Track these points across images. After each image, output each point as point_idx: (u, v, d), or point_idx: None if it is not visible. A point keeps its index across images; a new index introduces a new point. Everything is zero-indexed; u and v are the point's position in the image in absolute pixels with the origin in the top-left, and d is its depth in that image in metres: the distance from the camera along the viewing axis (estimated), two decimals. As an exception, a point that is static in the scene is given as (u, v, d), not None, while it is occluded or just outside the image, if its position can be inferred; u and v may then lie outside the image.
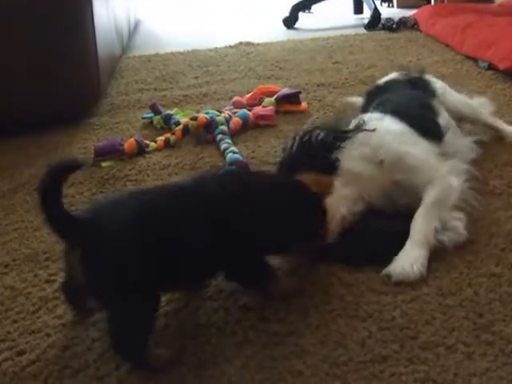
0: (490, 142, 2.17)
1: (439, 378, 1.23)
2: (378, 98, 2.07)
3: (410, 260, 1.54)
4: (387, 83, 2.20)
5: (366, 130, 1.73)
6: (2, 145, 2.50)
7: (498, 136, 2.20)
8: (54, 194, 1.21)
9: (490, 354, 1.28)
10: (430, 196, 1.66)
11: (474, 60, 3.08)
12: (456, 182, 1.71)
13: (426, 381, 1.22)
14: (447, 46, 3.41)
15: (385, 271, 1.53)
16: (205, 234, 1.32)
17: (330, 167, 1.64)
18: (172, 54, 3.80)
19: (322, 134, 1.71)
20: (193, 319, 1.44)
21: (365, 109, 2.07)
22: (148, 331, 1.29)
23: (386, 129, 1.77)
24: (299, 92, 2.70)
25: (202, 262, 1.34)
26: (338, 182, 1.61)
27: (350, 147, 1.70)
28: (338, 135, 1.72)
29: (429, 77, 2.24)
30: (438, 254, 1.58)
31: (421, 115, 1.91)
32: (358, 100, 2.44)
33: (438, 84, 2.19)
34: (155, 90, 3.13)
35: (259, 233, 1.39)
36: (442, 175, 1.71)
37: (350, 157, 1.69)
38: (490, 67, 2.93)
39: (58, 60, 2.58)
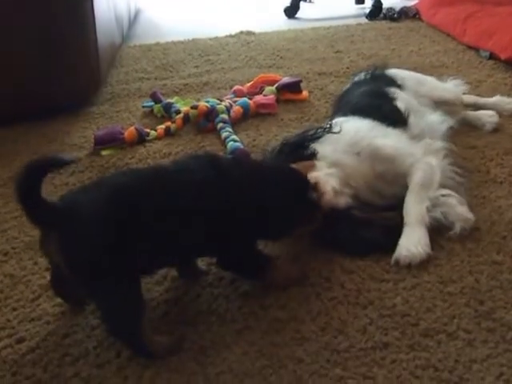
0: (491, 131, 2.16)
1: (440, 365, 1.23)
2: (339, 104, 2.11)
3: (412, 242, 1.55)
4: (347, 89, 2.22)
5: (332, 131, 1.75)
6: (1, 133, 2.49)
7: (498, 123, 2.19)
8: (36, 186, 1.19)
9: (491, 340, 1.28)
10: (414, 180, 1.69)
11: (476, 50, 3.06)
12: (434, 161, 1.74)
13: (427, 367, 1.22)
14: (448, 35, 3.39)
15: (393, 260, 1.54)
16: (184, 219, 1.31)
17: (309, 156, 1.68)
18: (172, 43, 3.78)
19: (294, 139, 1.77)
20: (193, 306, 1.44)
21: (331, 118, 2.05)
22: (138, 313, 1.27)
23: (354, 127, 1.79)
24: (300, 81, 2.68)
25: (180, 245, 1.34)
26: (319, 163, 1.65)
27: (322, 144, 1.72)
28: (308, 137, 1.76)
29: (394, 70, 2.23)
30: (438, 242, 1.58)
31: (379, 105, 1.93)
32: None
33: (404, 75, 2.20)
34: (155, 78, 3.11)
35: (250, 219, 1.38)
36: (420, 158, 1.73)
37: (327, 149, 1.71)
38: (492, 57, 2.91)
39: (58, 48, 2.56)
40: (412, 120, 1.92)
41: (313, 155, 1.68)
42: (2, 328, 1.40)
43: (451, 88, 2.28)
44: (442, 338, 1.29)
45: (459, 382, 1.18)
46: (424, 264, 1.52)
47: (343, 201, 1.61)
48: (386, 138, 1.78)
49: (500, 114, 2.24)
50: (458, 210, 1.62)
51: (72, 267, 1.22)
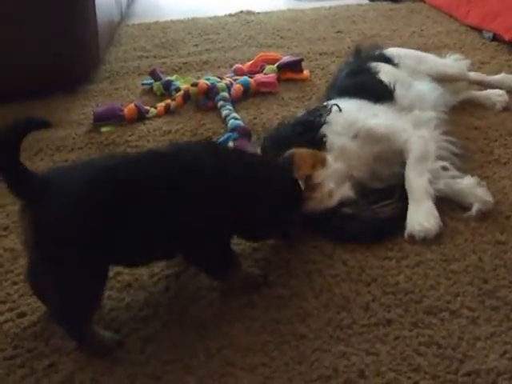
0: (494, 112, 2.15)
1: (444, 342, 1.22)
2: (328, 90, 2.09)
3: (422, 216, 1.55)
4: (335, 73, 2.21)
5: (334, 109, 1.75)
6: (0, 110, 2.46)
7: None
8: (13, 148, 1.15)
9: (495, 319, 1.28)
10: (411, 155, 1.68)
11: (479, 31, 3.04)
12: (426, 133, 1.75)
13: (431, 344, 1.22)
14: (451, 17, 3.36)
15: (407, 235, 1.53)
16: (166, 207, 1.26)
17: (318, 143, 1.66)
18: (171, 21, 3.74)
19: (304, 117, 1.76)
20: (194, 282, 1.43)
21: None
22: (94, 303, 1.24)
23: (345, 110, 1.77)
24: (301, 59, 2.66)
25: (157, 236, 1.28)
26: (329, 157, 1.63)
27: (328, 125, 1.71)
28: (318, 115, 1.74)
29: (391, 49, 2.21)
30: (442, 220, 1.57)
31: (363, 83, 1.92)
32: None
33: (401, 53, 2.18)
34: (154, 57, 3.09)
35: (230, 213, 1.34)
36: (412, 132, 1.73)
37: (333, 132, 1.70)
38: (495, 38, 2.89)
39: (58, 26, 2.53)
40: (399, 92, 1.91)
41: (322, 141, 1.67)
42: (3, 302, 1.39)
43: (453, 63, 2.26)
44: (446, 315, 1.29)
45: (463, 359, 1.18)
46: (427, 242, 1.51)
47: (336, 199, 1.59)
48: (377, 117, 1.77)
49: (505, 91, 2.23)
50: (478, 191, 1.61)
51: (42, 243, 1.17)
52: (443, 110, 1.96)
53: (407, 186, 1.63)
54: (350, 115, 1.75)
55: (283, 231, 1.50)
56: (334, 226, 1.55)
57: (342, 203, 1.59)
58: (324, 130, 1.69)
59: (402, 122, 1.78)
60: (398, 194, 1.62)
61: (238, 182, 1.35)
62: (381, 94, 1.86)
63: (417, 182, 1.62)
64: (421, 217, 1.55)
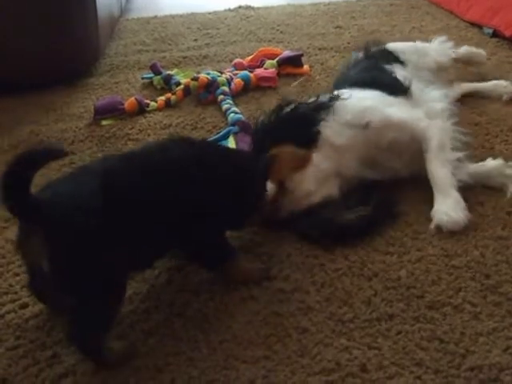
0: (495, 107, 2.15)
1: (446, 337, 1.22)
2: (337, 82, 2.06)
3: (450, 207, 1.55)
4: (346, 68, 2.18)
5: (342, 98, 1.72)
6: (0, 103, 2.46)
7: (503, 100, 2.18)
8: (26, 183, 1.07)
9: (497, 314, 1.28)
10: (431, 145, 1.67)
11: (479, 27, 3.04)
12: (440, 123, 1.74)
13: (433, 339, 1.22)
14: (451, 13, 3.36)
15: (434, 225, 1.54)
16: (171, 208, 1.26)
17: (310, 140, 1.63)
18: (171, 16, 3.73)
19: (302, 107, 1.71)
20: (196, 276, 1.43)
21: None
22: (112, 319, 1.21)
23: (361, 97, 1.76)
24: (301, 54, 2.65)
25: (166, 237, 1.29)
26: (316, 156, 1.60)
27: (330, 117, 1.68)
28: (319, 107, 1.71)
29: (391, 45, 2.19)
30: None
31: (379, 77, 1.91)
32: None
33: (403, 48, 2.17)
34: (154, 51, 3.08)
35: (216, 207, 1.34)
36: (427, 123, 1.72)
37: (332, 126, 1.66)
38: (495, 35, 2.89)
39: (58, 20, 2.52)
40: (413, 89, 1.89)
41: (315, 138, 1.64)
42: (5, 293, 1.40)
43: (442, 50, 2.25)
44: (448, 310, 1.29)
45: (465, 354, 1.18)
46: (429, 238, 1.51)
47: (317, 199, 1.59)
48: (393, 106, 1.75)
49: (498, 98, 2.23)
50: (507, 171, 1.64)
51: (60, 268, 1.12)
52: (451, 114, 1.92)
53: (431, 178, 1.63)
54: (363, 103, 1.73)
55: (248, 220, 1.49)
56: (297, 225, 1.55)
57: (324, 203, 1.58)
58: (321, 126, 1.65)
59: (417, 112, 1.77)
60: (373, 203, 1.59)
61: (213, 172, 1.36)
62: (396, 89, 1.85)
63: (441, 171, 1.62)
64: (448, 208, 1.55)
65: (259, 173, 1.46)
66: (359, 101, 1.73)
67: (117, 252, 1.16)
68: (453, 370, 1.15)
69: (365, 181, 1.66)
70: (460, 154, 1.68)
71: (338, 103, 1.70)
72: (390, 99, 1.79)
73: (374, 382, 1.14)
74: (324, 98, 1.75)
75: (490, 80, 2.30)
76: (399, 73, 1.98)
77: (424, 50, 2.19)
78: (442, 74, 2.15)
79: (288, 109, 1.69)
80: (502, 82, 2.24)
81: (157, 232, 1.26)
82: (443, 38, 2.30)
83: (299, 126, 1.64)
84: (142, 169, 1.28)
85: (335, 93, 1.79)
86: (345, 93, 1.76)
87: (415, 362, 1.17)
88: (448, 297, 1.33)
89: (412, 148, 1.69)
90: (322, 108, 1.69)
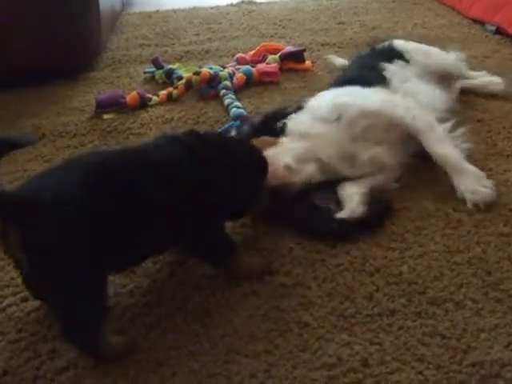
0: (498, 104, 2.14)
1: (447, 333, 1.22)
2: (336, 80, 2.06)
3: (473, 183, 1.58)
4: (348, 65, 2.21)
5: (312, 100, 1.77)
6: (2, 97, 2.46)
7: (505, 97, 2.18)
8: None
9: (499, 310, 1.27)
10: (419, 128, 1.68)
11: (481, 24, 3.03)
12: (412, 103, 1.75)
13: (434, 335, 1.22)
14: (453, 9, 3.35)
15: (472, 205, 1.57)
16: (160, 202, 1.24)
17: (279, 132, 1.68)
18: (173, 10, 3.73)
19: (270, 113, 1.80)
20: (197, 270, 1.43)
21: None
22: (101, 313, 1.19)
23: (332, 94, 1.79)
24: (304, 50, 2.65)
25: (158, 232, 1.27)
26: (284, 139, 1.65)
27: (298, 115, 1.73)
28: (292, 108, 1.77)
29: (399, 44, 2.15)
30: (445, 212, 1.58)
31: (365, 75, 1.91)
32: (341, 61, 2.49)
33: (409, 47, 2.14)
34: (156, 45, 3.08)
35: (218, 197, 1.33)
36: (403, 107, 1.72)
37: (298, 121, 1.70)
38: (498, 32, 2.88)
39: (60, 13, 2.52)
40: (395, 82, 1.89)
41: (282, 129, 1.68)
42: (7, 286, 1.40)
43: (455, 61, 2.21)
44: (450, 306, 1.29)
45: (467, 350, 1.18)
46: (431, 234, 1.51)
47: (299, 178, 1.57)
48: (369, 95, 1.76)
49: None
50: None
51: (37, 266, 1.10)
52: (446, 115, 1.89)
53: (438, 161, 1.64)
54: (337, 99, 1.74)
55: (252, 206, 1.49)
56: (297, 216, 1.55)
57: (310, 184, 1.58)
58: (288, 120, 1.70)
59: (392, 98, 1.78)
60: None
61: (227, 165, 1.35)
62: (376, 80, 1.86)
63: (446, 150, 1.64)
64: (473, 184, 1.57)
65: (258, 162, 1.46)
66: (334, 97, 1.75)
67: (95, 249, 1.13)
68: (454, 365, 1.15)
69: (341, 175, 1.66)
70: (447, 125, 1.70)
71: (310, 103, 1.75)
72: (366, 91, 1.79)
73: (376, 377, 1.14)
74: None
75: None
76: (392, 71, 1.95)
77: (430, 54, 2.15)
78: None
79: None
80: (494, 78, 2.24)
81: (145, 228, 1.23)
82: (460, 53, 2.26)
83: (273, 123, 1.71)
84: (131, 165, 1.26)
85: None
86: (321, 94, 1.81)
87: (417, 357, 1.17)
88: (450, 293, 1.32)
89: (392, 135, 1.69)
90: (295, 108, 1.75)
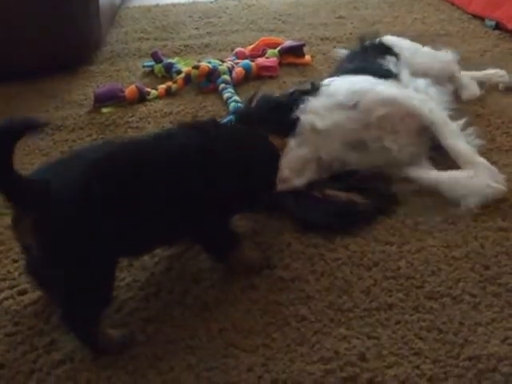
0: (497, 99, 2.14)
1: (445, 327, 1.22)
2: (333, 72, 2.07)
3: (488, 177, 1.58)
4: (342, 59, 2.20)
5: (324, 84, 1.74)
6: (1, 90, 2.46)
7: (504, 92, 2.18)
8: (5, 153, 1.03)
9: (496, 305, 1.27)
10: (435, 121, 1.69)
11: (481, 19, 3.02)
12: (429, 100, 1.76)
13: (432, 329, 1.22)
14: (453, 5, 3.34)
15: (480, 202, 1.55)
16: (168, 193, 1.23)
17: (288, 127, 1.63)
18: (172, 4, 3.72)
19: (281, 98, 1.73)
20: (195, 263, 1.43)
21: None
22: (103, 303, 1.20)
23: (349, 81, 1.77)
24: (303, 44, 2.65)
25: (167, 222, 1.26)
26: (293, 142, 1.61)
27: (314, 101, 1.68)
28: (300, 94, 1.71)
29: (391, 40, 2.15)
30: (443, 207, 1.57)
31: (370, 66, 1.91)
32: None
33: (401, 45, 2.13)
34: (155, 39, 3.07)
35: (229, 190, 1.32)
36: (419, 100, 1.73)
37: (315, 111, 1.66)
38: (497, 27, 2.88)
39: (59, 7, 2.51)
40: (403, 78, 1.90)
41: (292, 127, 1.63)
42: (3, 279, 1.40)
43: (446, 61, 2.19)
44: (447, 301, 1.29)
45: (464, 344, 1.18)
46: (429, 228, 1.51)
47: (299, 182, 1.60)
48: (383, 85, 1.76)
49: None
50: None
51: (48, 251, 1.11)
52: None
53: (452, 154, 1.65)
54: (354, 85, 1.73)
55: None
56: (298, 209, 1.55)
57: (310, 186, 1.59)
58: (301, 111, 1.65)
59: (407, 91, 1.79)
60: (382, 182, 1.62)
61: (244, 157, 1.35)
62: (386, 75, 1.85)
63: (460, 145, 1.65)
64: (488, 178, 1.57)
65: (271, 153, 1.45)
66: (350, 83, 1.74)
67: (106, 237, 1.14)
68: (451, 359, 1.15)
69: (347, 166, 1.65)
70: (460, 122, 1.71)
71: (324, 88, 1.71)
72: (381, 81, 1.79)
73: (373, 371, 1.13)
74: (306, 86, 1.76)
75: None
76: (391, 65, 1.96)
77: (418, 52, 2.15)
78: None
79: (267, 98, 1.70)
80: (498, 71, 2.24)
81: (157, 216, 1.23)
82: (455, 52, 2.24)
83: (278, 114, 1.64)
84: (141, 156, 1.25)
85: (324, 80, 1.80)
86: (332, 80, 1.78)
87: (414, 351, 1.17)
88: (447, 287, 1.32)
89: (408, 126, 1.69)
90: (303, 95, 1.70)
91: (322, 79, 1.84)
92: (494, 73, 2.25)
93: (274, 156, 1.46)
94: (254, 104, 1.65)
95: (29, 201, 1.09)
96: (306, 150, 1.62)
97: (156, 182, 1.22)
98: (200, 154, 1.29)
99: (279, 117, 1.62)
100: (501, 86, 2.20)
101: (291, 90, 1.77)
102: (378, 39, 2.15)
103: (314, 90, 1.71)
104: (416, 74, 1.99)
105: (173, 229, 1.31)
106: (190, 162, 1.27)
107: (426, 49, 2.20)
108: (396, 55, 2.04)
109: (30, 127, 1.07)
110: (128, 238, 1.20)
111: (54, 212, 1.09)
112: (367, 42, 2.16)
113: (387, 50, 2.06)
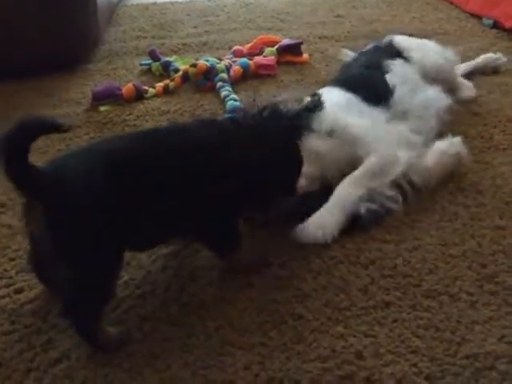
0: (494, 98, 2.14)
1: (442, 325, 1.22)
2: (339, 73, 2.02)
3: (320, 224, 1.49)
4: (352, 58, 2.13)
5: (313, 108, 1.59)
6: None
7: (501, 91, 2.18)
8: (24, 151, 1.06)
9: (493, 303, 1.28)
10: (364, 164, 1.59)
11: (479, 18, 3.02)
12: (403, 157, 1.63)
13: (429, 327, 1.22)
14: (451, 3, 3.34)
15: (297, 230, 1.49)
16: (180, 188, 1.23)
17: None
18: (170, 3, 3.71)
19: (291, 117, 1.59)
20: (192, 262, 1.43)
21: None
22: (106, 298, 1.20)
23: (332, 102, 1.66)
24: (301, 43, 2.64)
25: (176, 216, 1.26)
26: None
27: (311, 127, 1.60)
28: (303, 119, 1.57)
29: (399, 41, 2.07)
30: (441, 205, 1.58)
31: (367, 78, 1.83)
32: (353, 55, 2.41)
33: (409, 45, 2.05)
34: (153, 37, 3.06)
35: (240, 188, 1.29)
36: (388, 146, 1.64)
37: (311, 135, 1.58)
38: (495, 26, 2.87)
39: (57, 5, 2.51)
40: (398, 95, 1.79)
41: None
42: (0, 278, 1.39)
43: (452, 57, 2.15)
44: (444, 299, 1.29)
45: (461, 343, 1.18)
46: (426, 227, 1.51)
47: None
48: (360, 118, 1.67)
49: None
50: None
51: (57, 240, 1.11)
52: (447, 116, 1.88)
53: (335, 190, 1.55)
54: (332, 109, 1.64)
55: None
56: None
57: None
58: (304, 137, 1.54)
59: (384, 133, 1.68)
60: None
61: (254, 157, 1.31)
62: (378, 94, 1.77)
63: (343, 191, 1.55)
64: (317, 225, 1.49)
65: (293, 157, 1.41)
66: (329, 107, 1.60)
67: (117, 228, 1.15)
68: (448, 358, 1.15)
69: None
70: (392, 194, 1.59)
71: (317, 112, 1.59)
72: (364, 109, 1.72)
73: (370, 369, 1.13)
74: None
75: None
76: (395, 72, 1.88)
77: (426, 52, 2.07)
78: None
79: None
80: (491, 55, 2.28)
81: (162, 214, 1.23)
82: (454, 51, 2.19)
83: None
84: (152, 150, 1.25)
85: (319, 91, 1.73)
86: (325, 94, 1.66)
87: (411, 349, 1.17)
88: (444, 285, 1.32)
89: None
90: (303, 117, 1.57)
91: (320, 77, 1.83)
92: (489, 56, 2.30)
93: (296, 160, 1.41)
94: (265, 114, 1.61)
95: (42, 191, 1.10)
96: (309, 168, 1.53)
97: (169, 174, 1.23)
98: (211, 149, 1.28)
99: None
100: (502, 68, 2.25)
101: (297, 110, 1.70)
102: (387, 39, 2.08)
103: (317, 106, 1.64)
104: (427, 75, 1.94)
105: (184, 221, 1.30)
106: (203, 157, 1.26)
107: (434, 45, 2.13)
108: (406, 58, 1.97)
109: (52, 128, 1.11)
110: (139, 230, 1.21)
111: (67, 201, 1.10)
112: (376, 43, 2.10)
113: (397, 53, 1.98)
